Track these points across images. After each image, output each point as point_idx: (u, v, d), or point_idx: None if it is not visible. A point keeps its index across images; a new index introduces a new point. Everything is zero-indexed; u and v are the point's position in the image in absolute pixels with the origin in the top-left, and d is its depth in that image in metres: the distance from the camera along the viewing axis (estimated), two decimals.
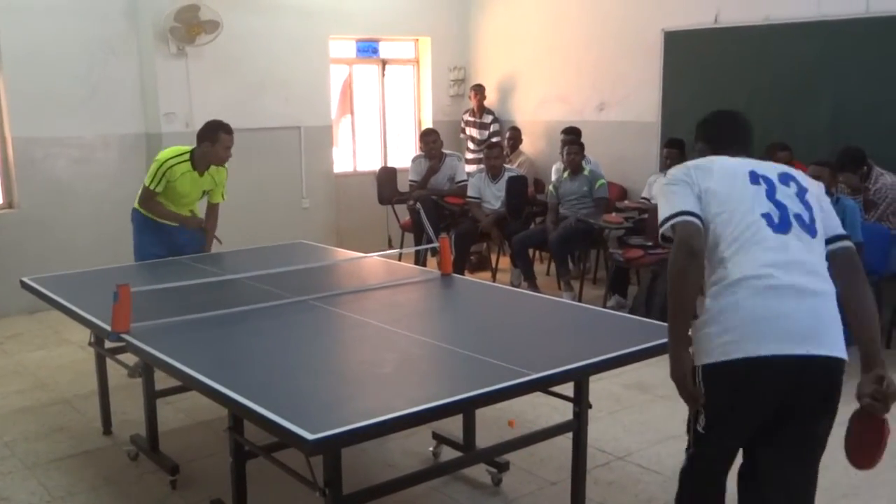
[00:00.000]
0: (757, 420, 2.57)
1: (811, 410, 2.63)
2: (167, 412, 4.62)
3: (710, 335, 2.49)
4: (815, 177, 5.34)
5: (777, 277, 2.47)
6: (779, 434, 2.61)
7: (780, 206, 2.58)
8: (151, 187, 5.21)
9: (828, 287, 2.56)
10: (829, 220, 2.68)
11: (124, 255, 6.73)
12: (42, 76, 7.03)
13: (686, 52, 7.58)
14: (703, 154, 2.82)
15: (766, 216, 2.55)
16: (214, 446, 4.24)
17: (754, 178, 2.64)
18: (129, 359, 3.90)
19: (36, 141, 7.10)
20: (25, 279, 4.46)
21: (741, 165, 2.68)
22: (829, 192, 5.31)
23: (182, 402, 4.75)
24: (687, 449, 2.72)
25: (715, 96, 7.27)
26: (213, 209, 5.56)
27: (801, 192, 2.65)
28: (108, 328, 3.35)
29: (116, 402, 4.63)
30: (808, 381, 2.53)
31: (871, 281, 5.44)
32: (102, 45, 7.31)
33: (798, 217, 2.58)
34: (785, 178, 2.67)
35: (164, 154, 5.28)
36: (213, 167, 5.33)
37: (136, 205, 5.41)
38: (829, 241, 2.64)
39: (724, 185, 2.60)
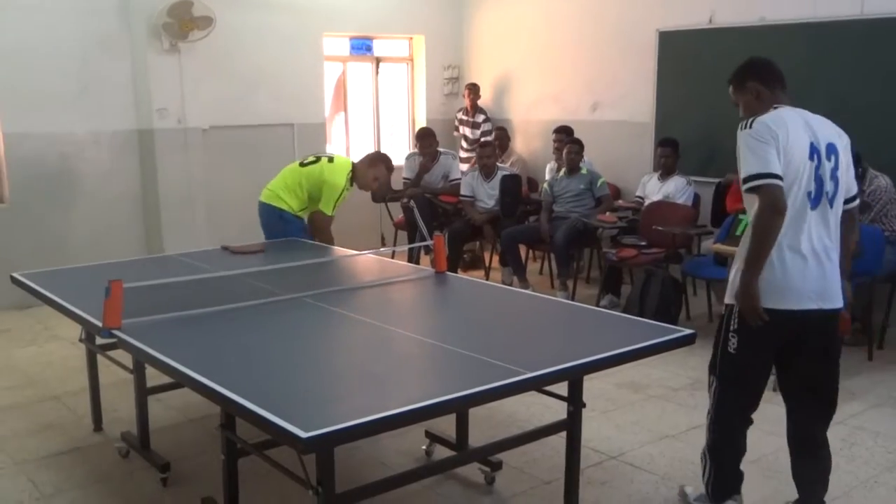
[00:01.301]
0: (777, 343, 3.26)
1: (818, 341, 3.30)
2: (158, 409, 4.59)
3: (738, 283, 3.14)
4: None
5: (805, 246, 3.12)
6: (796, 356, 3.31)
7: (818, 182, 3.13)
8: (332, 214, 5.35)
9: (835, 254, 3.20)
10: (850, 183, 3.27)
11: (116, 251, 6.72)
12: (34, 72, 6.99)
13: (680, 53, 7.58)
14: (756, 91, 3.28)
15: (809, 194, 3.11)
16: (206, 444, 4.22)
17: (811, 152, 3.13)
18: (121, 355, 3.86)
19: (27, 137, 7.06)
20: (16, 275, 4.43)
21: (804, 133, 3.14)
22: None
23: (174, 399, 4.72)
24: (710, 386, 3.40)
25: (709, 97, 7.28)
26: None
27: (836, 168, 3.18)
28: (100, 324, 3.33)
29: (107, 398, 4.61)
30: (816, 326, 3.22)
31: (865, 282, 5.53)
32: (95, 41, 7.27)
33: (827, 194, 3.15)
34: (829, 152, 3.18)
35: (336, 177, 5.34)
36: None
37: (271, 201, 5.49)
38: (846, 201, 3.25)
39: (792, 156, 3.07)
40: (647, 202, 7.27)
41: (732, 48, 7.13)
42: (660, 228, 6.62)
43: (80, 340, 4.41)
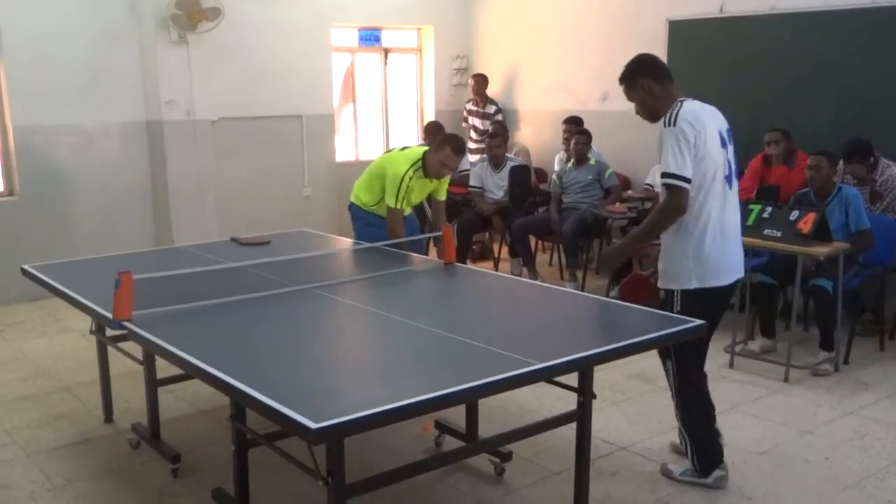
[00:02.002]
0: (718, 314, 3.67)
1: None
2: (169, 401, 4.61)
3: (690, 268, 3.52)
4: (814, 166, 5.39)
5: (729, 225, 3.55)
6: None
7: (728, 167, 3.53)
8: (398, 207, 4.92)
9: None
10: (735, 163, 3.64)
11: (125, 243, 6.74)
12: (43, 64, 6.99)
13: (691, 42, 7.53)
14: (647, 87, 3.53)
15: (726, 178, 3.52)
16: (216, 435, 4.23)
17: (722, 141, 3.51)
18: (131, 347, 3.87)
19: (37, 129, 7.07)
20: (26, 266, 4.44)
21: (714, 124, 3.48)
22: (829, 182, 5.35)
23: (184, 390, 4.74)
24: (668, 372, 3.74)
25: (719, 86, 7.24)
26: (438, 207, 5.34)
27: (733, 151, 3.60)
28: (110, 316, 3.33)
29: (118, 390, 4.62)
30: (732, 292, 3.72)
31: (877, 272, 5.50)
32: (103, 33, 7.27)
33: (731, 174, 3.56)
34: (729, 136, 3.57)
35: (396, 166, 4.94)
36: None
37: (354, 200, 5.23)
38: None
39: (709, 147, 3.42)
40: (657, 190, 7.25)
41: (743, 37, 7.10)
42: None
43: (91, 332, 4.42)
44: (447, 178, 5.16)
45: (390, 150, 5.26)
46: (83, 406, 4.74)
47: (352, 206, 5.30)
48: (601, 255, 3.81)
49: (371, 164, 5.26)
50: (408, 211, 5.20)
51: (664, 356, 3.71)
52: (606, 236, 7.46)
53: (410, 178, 4.91)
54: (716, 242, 3.49)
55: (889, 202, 5.74)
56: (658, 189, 7.15)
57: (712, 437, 3.72)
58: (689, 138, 3.37)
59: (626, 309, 3.63)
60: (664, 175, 3.41)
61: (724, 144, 3.51)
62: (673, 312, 3.50)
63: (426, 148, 5.10)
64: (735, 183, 3.61)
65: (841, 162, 5.78)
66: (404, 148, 5.20)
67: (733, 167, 3.58)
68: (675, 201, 3.40)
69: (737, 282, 3.64)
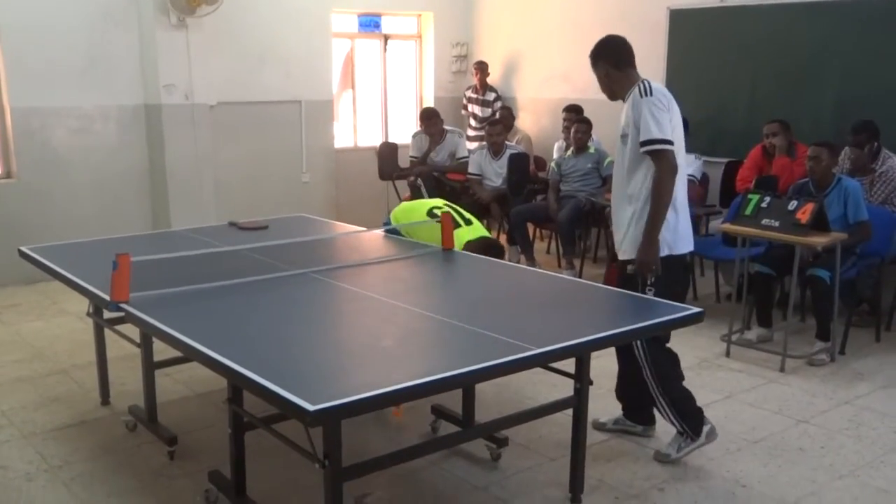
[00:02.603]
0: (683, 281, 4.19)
1: None
2: (166, 383, 4.61)
3: (662, 235, 3.64)
4: (815, 157, 5.39)
5: (682, 200, 3.71)
6: None
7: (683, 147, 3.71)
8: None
9: None
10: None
11: (123, 226, 6.73)
12: (41, 46, 6.97)
13: (691, 31, 7.52)
14: (605, 71, 3.78)
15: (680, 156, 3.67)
16: (213, 418, 4.24)
17: (685, 127, 3.77)
18: (128, 329, 3.87)
19: (35, 111, 7.05)
20: (24, 248, 4.43)
21: (676, 107, 3.66)
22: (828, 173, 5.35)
23: (181, 373, 4.74)
24: (638, 349, 3.71)
25: (719, 75, 7.24)
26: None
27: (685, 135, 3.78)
28: (107, 298, 3.33)
29: (115, 372, 4.62)
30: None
31: (873, 263, 5.51)
32: (102, 16, 7.24)
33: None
34: (685, 126, 3.83)
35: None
36: None
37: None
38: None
39: (676, 124, 3.61)
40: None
41: (743, 27, 7.09)
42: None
43: (88, 314, 4.42)
44: None
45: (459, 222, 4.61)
46: (80, 388, 4.75)
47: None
48: (638, 264, 3.66)
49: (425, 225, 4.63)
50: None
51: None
52: (604, 224, 7.46)
53: None
54: (681, 212, 3.69)
55: (888, 194, 5.74)
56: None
57: (689, 397, 3.83)
58: (663, 104, 3.56)
59: (622, 296, 3.63)
60: (649, 142, 3.52)
61: (686, 130, 3.75)
62: (644, 284, 3.61)
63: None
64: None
65: (850, 141, 5.80)
66: (470, 221, 4.68)
67: (682, 151, 3.74)
68: (667, 163, 3.54)
69: (691, 252, 3.85)
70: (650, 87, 3.61)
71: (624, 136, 3.69)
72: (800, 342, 5.42)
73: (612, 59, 3.76)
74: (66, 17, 7.06)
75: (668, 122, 3.56)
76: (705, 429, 3.81)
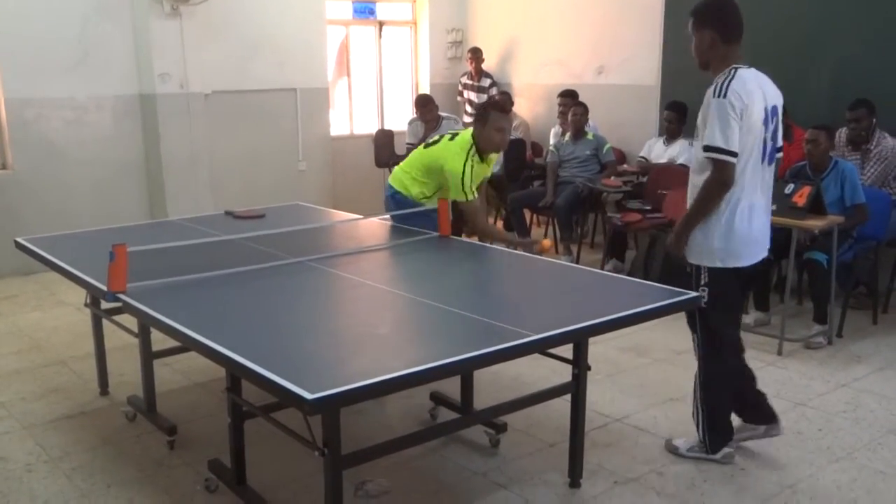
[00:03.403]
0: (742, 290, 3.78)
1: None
2: (164, 373, 4.61)
3: (715, 247, 3.45)
4: (813, 140, 5.38)
5: (760, 202, 3.47)
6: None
7: (764, 145, 3.42)
8: (470, 199, 4.48)
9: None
10: (778, 138, 3.56)
11: (119, 216, 6.72)
12: (34, 37, 6.94)
13: (687, 13, 7.45)
14: (711, 41, 3.38)
15: (762, 155, 3.42)
16: (212, 407, 4.25)
17: (765, 118, 3.39)
18: (126, 320, 3.87)
19: (29, 102, 7.03)
20: (20, 240, 4.42)
21: (760, 99, 3.37)
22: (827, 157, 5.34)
23: (179, 363, 4.75)
24: (695, 344, 3.65)
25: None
26: (482, 191, 4.83)
27: (776, 129, 3.51)
28: (105, 288, 3.32)
29: (113, 363, 4.62)
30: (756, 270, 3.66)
31: (870, 246, 5.52)
32: (96, 5, 7.21)
33: (769, 153, 3.48)
34: (773, 115, 3.47)
35: (454, 162, 4.45)
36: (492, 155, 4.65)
37: (392, 182, 4.76)
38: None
39: (752, 123, 3.33)
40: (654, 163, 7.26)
41: (743, 6, 7.03)
42: (665, 193, 6.59)
43: (86, 305, 4.41)
44: (490, 166, 4.74)
45: (436, 141, 4.70)
46: (79, 379, 4.75)
47: (396, 195, 4.72)
48: (667, 252, 3.66)
49: (419, 155, 4.71)
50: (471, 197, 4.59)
51: (692, 328, 3.66)
52: (601, 210, 7.46)
53: (472, 168, 4.48)
54: (743, 223, 3.41)
55: (884, 175, 5.74)
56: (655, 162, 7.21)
57: (726, 415, 3.68)
58: (737, 111, 3.26)
59: (620, 281, 3.63)
60: (709, 148, 3.30)
61: (766, 122, 3.39)
62: (697, 287, 3.48)
63: (471, 130, 4.59)
64: (771, 161, 3.51)
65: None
66: (453, 137, 4.64)
67: (769, 145, 3.46)
68: (721, 176, 3.31)
69: (761, 260, 3.56)
70: (727, 84, 3.29)
71: (697, 130, 3.46)
72: (797, 325, 5.43)
73: (724, 30, 3.38)
74: (60, 7, 7.03)
75: (737, 131, 3.27)
76: (725, 450, 3.67)
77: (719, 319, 3.55)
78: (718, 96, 3.28)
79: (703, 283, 3.50)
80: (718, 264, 3.46)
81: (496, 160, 4.85)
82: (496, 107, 4.62)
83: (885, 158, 5.74)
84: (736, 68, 3.33)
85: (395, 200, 4.72)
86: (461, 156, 4.46)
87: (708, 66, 3.43)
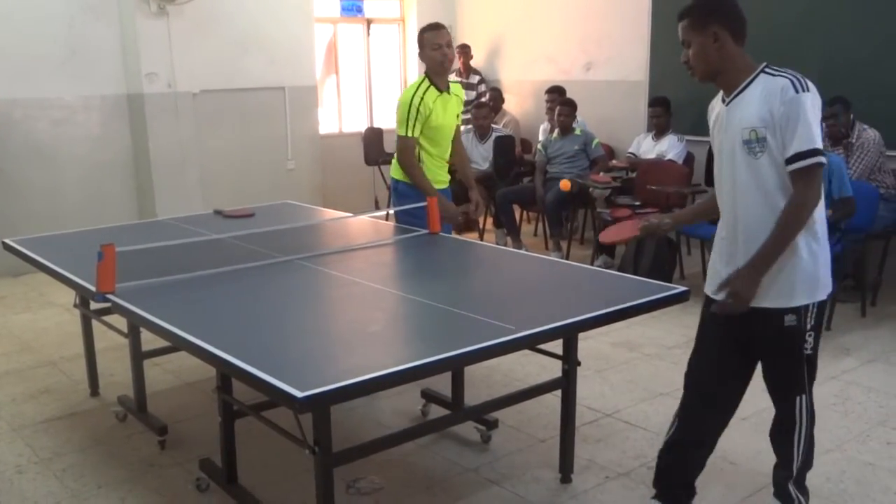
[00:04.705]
0: None
1: None
2: (155, 373, 4.60)
3: (820, 274, 2.80)
4: None
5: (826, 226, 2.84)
6: None
7: None
8: (409, 135, 4.46)
9: None
10: None
11: (108, 216, 6.70)
12: (20, 37, 6.91)
13: (675, 9, 7.41)
14: (716, 37, 2.73)
15: None
16: (203, 406, 4.24)
17: None
18: (116, 320, 3.86)
19: (15, 102, 7.00)
20: (8, 241, 4.41)
21: None
22: None
23: (169, 363, 4.74)
24: (800, 410, 2.98)
25: None
26: (458, 134, 4.78)
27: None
28: (94, 289, 3.31)
29: (103, 363, 4.61)
30: None
31: (858, 238, 5.54)
32: (81, 5, 7.18)
33: None
34: None
35: (406, 93, 4.53)
36: (454, 86, 4.63)
37: (393, 173, 4.73)
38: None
39: None
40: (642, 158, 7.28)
41: None
42: (654, 188, 6.61)
43: (75, 306, 4.40)
44: (459, 103, 4.69)
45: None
46: (68, 380, 4.74)
47: (397, 186, 4.72)
48: (734, 298, 2.75)
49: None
50: (446, 156, 4.70)
51: (790, 393, 2.95)
52: (591, 206, 7.48)
53: (422, 99, 4.43)
54: (819, 245, 2.79)
55: (866, 167, 5.78)
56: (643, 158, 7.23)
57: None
58: (819, 107, 2.71)
59: (610, 277, 3.64)
60: (807, 154, 2.61)
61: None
62: (805, 337, 2.83)
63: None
64: None
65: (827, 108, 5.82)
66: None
67: None
68: (817, 184, 2.67)
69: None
70: (804, 78, 2.72)
71: (758, 142, 2.69)
72: None
73: (735, 24, 2.76)
74: (46, 6, 7.00)
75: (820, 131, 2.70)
76: None
77: (815, 364, 2.94)
78: (804, 90, 2.65)
79: (810, 325, 2.81)
80: (823, 296, 2.82)
81: (462, 96, 4.79)
82: (427, 28, 4.56)
83: (867, 150, 5.79)
84: (771, 66, 2.80)
85: (397, 192, 4.71)
86: (411, 89, 4.51)
87: (716, 75, 2.79)
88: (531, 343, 2.90)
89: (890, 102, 6.12)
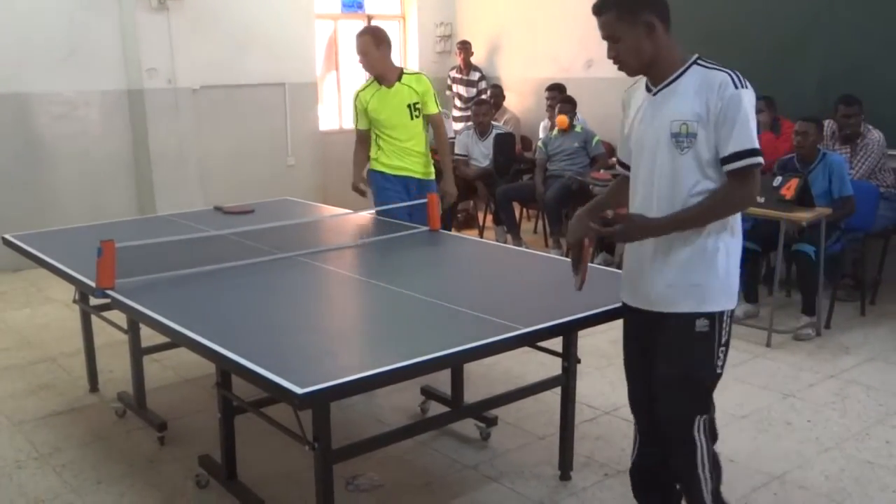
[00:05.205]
0: None
1: None
2: (154, 369, 4.61)
3: (731, 281, 2.62)
4: (802, 132, 5.40)
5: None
6: None
7: None
8: (358, 128, 5.13)
9: None
10: None
11: (107, 212, 6.69)
12: (20, 32, 6.90)
13: (676, 6, 7.46)
14: (649, 27, 2.52)
15: None
16: (202, 403, 4.24)
17: None
18: (116, 316, 3.86)
19: (16, 98, 6.99)
20: (8, 236, 4.41)
21: None
22: (815, 148, 5.33)
23: (169, 359, 4.74)
24: (698, 430, 2.68)
25: (704, 50, 7.20)
26: (435, 122, 5.15)
27: None
28: (93, 285, 3.32)
29: (103, 359, 4.61)
30: None
31: (858, 237, 5.54)
32: (82, 0, 7.17)
33: None
34: None
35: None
36: (406, 78, 5.03)
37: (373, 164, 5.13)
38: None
39: None
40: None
41: (728, 2, 7.06)
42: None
43: (74, 302, 4.40)
44: (428, 89, 5.08)
45: None
46: (68, 376, 4.73)
47: (370, 175, 5.16)
48: (622, 229, 2.64)
49: None
50: (409, 144, 5.02)
51: (691, 412, 2.66)
52: None
53: (357, 96, 5.07)
54: (728, 257, 2.61)
55: (870, 167, 5.78)
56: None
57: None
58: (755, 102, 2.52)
59: (610, 274, 3.63)
60: (744, 154, 2.43)
61: None
62: (715, 347, 2.62)
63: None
64: None
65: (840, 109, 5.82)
66: None
67: None
68: (755, 187, 2.51)
69: None
70: (739, 74, 2.49)
71: (686, 137, 2.49)
72: (786, 317, 5.46)
73: (662, 11, 2.57)
74: (46, 1, 6.98)
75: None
76: None
77: (714, 387, 2.73)
78: (743, 87, 2.45)
79: (723, 339, 2.63)
80: (733, 304, 2.64)
81: (416, 86, 5.08)
82: (367, 32, 5.06)
83: (871, 151, 5.79)
84: (698, 59, 2.59)
85: (373, 181, 5.11)
86: (359, 86, 5.10)
87: (647, 67, 2.59)
88: (531, 340, 2.91)
89: (893, 102, 6.11)
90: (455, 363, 3.59)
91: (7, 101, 6.95)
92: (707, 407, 2.70)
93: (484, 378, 4.46)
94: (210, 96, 7.87)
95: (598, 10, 2.59)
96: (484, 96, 8.77)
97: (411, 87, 4.99)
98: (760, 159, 2.47)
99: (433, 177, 5.10)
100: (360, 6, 9.42)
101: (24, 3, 6.88)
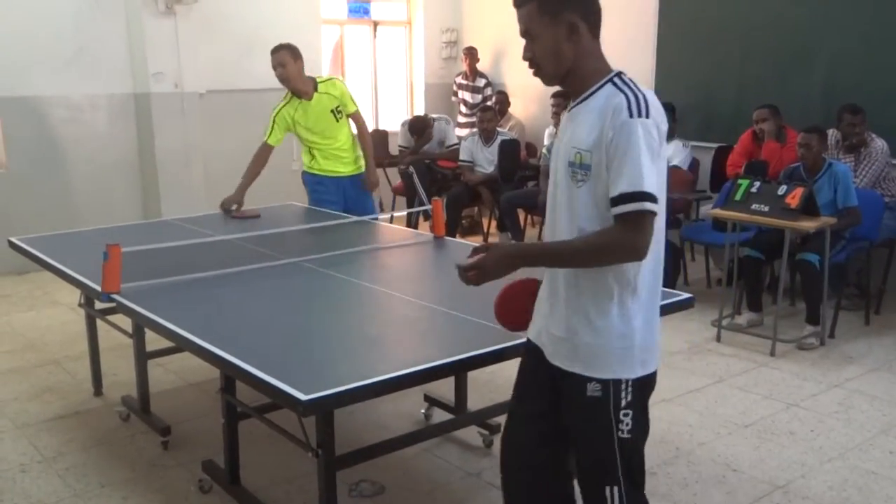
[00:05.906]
0: None
1: None
2: (158, 374, 4.61)
3: (635, 347, 2.23)
4: (805, 144, 5.40)
5: (661, 274, 2.30)
6: None
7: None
8: (266, 140, 5.47)
9: None
10: None
11: (113, 216, 6.71)
12: (27, 35, 6.92)
13: (681, 13, 7.50)
14: (571, 28, 2.17)
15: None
16: (206, 408, 4.24)
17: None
18: (120, 320, 3.87)
19: (22, 101, 7.01)
20: (13, 239, 4.42)
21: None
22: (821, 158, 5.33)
23: (173, 363, 4.74)
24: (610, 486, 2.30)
25: (710, 59, 7.23)
26: (356, 119, 5.59)
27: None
28: (99, 288, 3.33)
29: (107, 363, 4.62)
30: None
31: (862, 247, 5.54)
32: (89, 3, 7.19)
33: None
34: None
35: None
36: (322, 86, 5.39)
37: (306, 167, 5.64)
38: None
39: (662, 171, 2.17)
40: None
41: (734, 10, 7.07)
42: None
43: (80, 305, 4.41)
44: (344, 92, 5.47)
45: None
46: (72, 379, 4.74)
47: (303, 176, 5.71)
48: (482, 262, 2.39)
49: None
50: (342, 148, 5.51)
51: (600, 481, 2.30)
52: None
53: (279, 112, 5.38)
54: (657, 299, 2.30)
55: (874, 176, 5.78)
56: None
57: None
58: (658, 141, 2.13)
59: None
60: (631, 197, 2.03)
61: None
62: (614, 416, 2.23)
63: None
64: None
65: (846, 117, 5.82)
66: None
67: None
68: (643, 237, 2.07)
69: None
70: (646, 99, 2.13)
71: (581, 168, 2.13)
72: (790, 326, 5.45)
73: (590, 15, 2.22)
74: (53, 4, 7.01)
75: (658, 172, 2.11)
76: None
77: (640, 455, 2.35)
78: (640, 116, 2.09)
79: (624, 402, 2.23)
80: (639, 372, 2.26)
81: (333, 91, 5.46)
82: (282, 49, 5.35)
83: (875, 160, 5.78)
84: (625, 78, 2.24)
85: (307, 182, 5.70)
86: (278, 104, 5.43)
87: (564, 74, 2.25)
88: None
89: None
90: (459, 371, 3.59)
91: (14, 104, 6.97)
92: (616, 479, 2.26)
93: (488, 385, 4.46)
94: (216, 100, 7.89)
95: (518, 1, 2.22)
96: (489, 102, 8.78)
97: (329, 93, 5.38)
98: (652, 206, 2.05)
99: (363, 169, 5.57)
100: (367, 12, 9.45)
101: (31, 7, 6.90)
